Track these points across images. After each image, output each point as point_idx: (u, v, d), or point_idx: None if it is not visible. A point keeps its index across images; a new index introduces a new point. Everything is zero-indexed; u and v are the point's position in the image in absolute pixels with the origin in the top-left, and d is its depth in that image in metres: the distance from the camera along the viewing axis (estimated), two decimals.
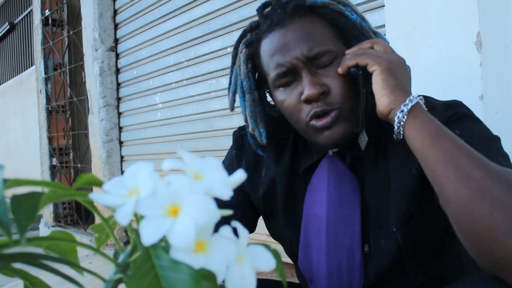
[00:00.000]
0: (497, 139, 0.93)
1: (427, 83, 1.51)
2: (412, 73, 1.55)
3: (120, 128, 4.03)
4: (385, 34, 1.73)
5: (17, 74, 7.46)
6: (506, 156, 0.89)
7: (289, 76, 0.98)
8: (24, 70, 7.12)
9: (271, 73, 1.00)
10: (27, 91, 6.22)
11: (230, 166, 1.19)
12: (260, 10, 1.07)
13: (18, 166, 7.11)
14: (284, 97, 1.00)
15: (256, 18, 1.08)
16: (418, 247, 1.01)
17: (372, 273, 1.02)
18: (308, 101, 0.95)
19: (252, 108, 1.06)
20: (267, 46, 1.00)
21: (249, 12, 2.61)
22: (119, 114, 4.04)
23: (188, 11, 3.15)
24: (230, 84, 1.10)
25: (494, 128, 1.37)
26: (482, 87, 1.36)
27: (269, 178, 1.14)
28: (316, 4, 0.99)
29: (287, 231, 1.13)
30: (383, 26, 1.78)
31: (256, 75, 1.07)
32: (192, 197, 0.37)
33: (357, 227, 1.02)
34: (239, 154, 1.19)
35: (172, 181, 0.38)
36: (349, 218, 1.02)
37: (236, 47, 1.09)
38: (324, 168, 1.05)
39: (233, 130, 1.23)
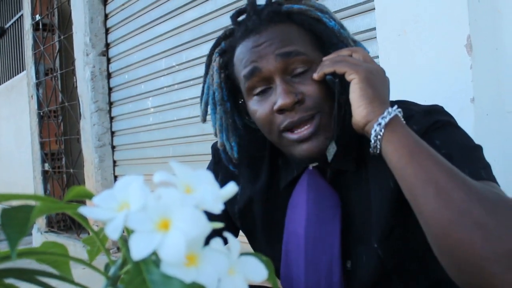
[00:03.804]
0: (478, 149, 0.90)
1: (418, 86, 1.51)
2: (402, 76, 1.56)
3: (113, 133, 4.02)
4: (375, 37, 1.73)
5: (8, 79, 7.43)
6: (487, 166, 0.86)
7: (262, 83, 0.94)
8: (15, 75, 7.09)
9: (244, 80, 0.95)
10: (18, 96, 6.21)
11: None
12: (235, 17, 1.03)
13: (10, 172, 7.08)
14: (257, 107, 0.95)
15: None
16: (402, 260, 0.98)
17: None
18: (281, 111, 0.91)
19: (222, 121, 1.02)
20: (241, 52, 0.96)
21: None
22: (111, 118, 4.02)
23: (179, 15, 3.15)
24: (202, 94, 1.07)
25: (485, 131, 1.38)
26: (473, 90, 1.36)
27: (246, 197, 1.10)
28: (292, 11, 0.96)
29: (268, 249, 1.10)
30: (374, 29, 1.78)
31: (230, 85, 1.02)
32: (183, 211, 0.37)
33: (336, 245, 0.98)
34: (216, 169, 1.16)
35: (162, 194, 0.38)
36: (328, 235, 0.98)
37: (210, 55, 1.05)
38: (304, 183, 1.01)
39: None
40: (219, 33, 2.97)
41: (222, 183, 1.12)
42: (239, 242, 0.43)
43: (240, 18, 1.03)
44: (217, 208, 0.40)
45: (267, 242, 1.10)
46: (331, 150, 0.95)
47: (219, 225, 0.42)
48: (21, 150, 6.33)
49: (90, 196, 0.43)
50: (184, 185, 0.40)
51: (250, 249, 1.19)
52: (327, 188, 1.00)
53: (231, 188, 0.43)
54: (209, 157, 2.96)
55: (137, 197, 0.38)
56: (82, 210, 0.39)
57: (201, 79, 3.19)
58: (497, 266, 0.68)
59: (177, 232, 0.36)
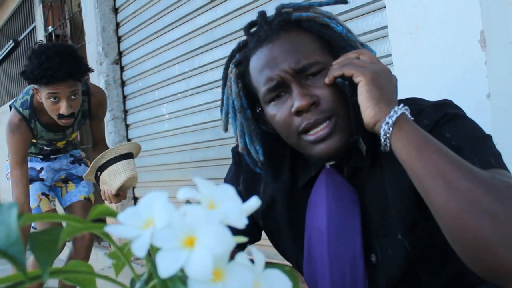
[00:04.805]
0: (487, 138, 0.92)
1: (432, 83, 1.51)
2: (416, 74, 1.55)
3: (129, 140, 4.05)
4: (387, 36, 1.73)
5: None
6: (497, 155, 0.89)
7: (279, 89, 0.99)
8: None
9: (262, 88, 1.00)
10: None
11: (231, 182, 1.22)
12: (247, 29, 1.09)
13: None
14: (275, 111, 1.00)
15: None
16: (428, 252, 1.00)
17: (383, 282, 1.02)
18: (298, 113, 0.96)
19: (243, 128, 1.06)
20: (256, 62, 1.01)
21: (251, 19, 2.61)
22: (127, 126, 4.05)
23: (190, 20, 3.16)
24: (222, 105, 1.11)
25: (503, 126, 1.37)
26: (488, 85, 1.35)
27: (269, 196, 1.15)
28: (301, 18, 1.01)
29: (292, 248, 1.14)
30: (386, 27, 1.78)
31: (248, 94, 1.07)
32: (208, 228, 0.37)
33: (358, 238, 1.02)
34: (237, 170, 1.21)
35: (187, 211, 0.38)
36: (350, 229, 1.02)
37: (226, 68, 1.11)
38: (322, 181, 1.05)
39: None
40: (231, 37, 2.98)
41: (245, 183, 1.18)
42: (263, 255, 0.43)
43: (253, 29, 1.08)
44: (241, 223, 0.40)
45: (291, 241, 1.14)
46: (362, 147, 1.00)
47: (243, 239, 0.42)
48: None
49: (113, 214, 0.43)
50: (207, 201, 0.41)
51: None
52: (345, 185, 1.04)
53: (254, 203, 0.43)
54: (226, 162, 2.97)
55: (162, 214, 0.39)
56: (108, 229, 0.39)
57: (215, 84, 3.20)
58: (508, 251, 0.71)
59: (203, 248, 0.37)
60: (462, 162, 0.79)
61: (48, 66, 2.18)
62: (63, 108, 2.29)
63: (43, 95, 2.29)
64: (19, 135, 2.46)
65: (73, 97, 2.31)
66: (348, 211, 1.02)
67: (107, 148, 2.73)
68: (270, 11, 1.07)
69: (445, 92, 1.45)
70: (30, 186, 2.66)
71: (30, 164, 2.69)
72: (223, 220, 0.39)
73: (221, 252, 0.37)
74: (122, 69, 4.06)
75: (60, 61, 2.20)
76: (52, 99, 2.28)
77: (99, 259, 4.04)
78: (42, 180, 2.81)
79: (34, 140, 2.63)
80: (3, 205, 0.36)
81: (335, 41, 1.01)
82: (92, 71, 2.51)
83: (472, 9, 1.39)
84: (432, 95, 1.07)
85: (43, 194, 2.74)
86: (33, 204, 2.63)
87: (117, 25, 4.06)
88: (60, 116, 2.32)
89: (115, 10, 4.04)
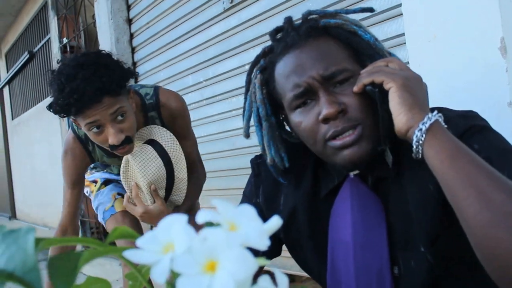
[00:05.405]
0: None
1: (451, 92, 1.48)
2: (435, 82, 1.53)
3: None
4: (404, 43, 1.71)
5: (39, 102, 7.56)
6: None
7: (306, 96, 0.97)
8: (46, 97, 7.20)
9: (288, 95, 0.99)
10: (49, 117, 6.30)
11: (250, 194, 1.20)
12: (273, 34, 1.07)
13: (45, 192, 7.19)
14: (301, 118, 0.99)
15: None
16: (451, 264, 0.98)
17: None
18: (326, 120, 0.94)
19: (270, 136, 1.04)
20: (283, 68, 1.00)
21: (264, 29, 2.61)
22: None
23: (203, 30, 3.17)
24: (244, 111, 1.10)
25: None
26: (510, 93, 1.33)
27: (290, 206, 1.12)
28: (329, 25, 0.99)
29: (315, 258, 1.11)
30: (403, 34, 1.76)
31: (272, 100, 1.05)
32: (229, 252, 0.36)
33: (385, 250, 0.99)
34: (257, 182, 1.20)
35: (207, 235, 0.37)
36: (376, 241, 1.00)
37: (250, 73, 1.09)
38: (347, 191, 1.03)
39: (255, 147, 1.22)
40: (245, 47, 2.98)
41: (264, 195, 1.16)
42: (287, 276, 0.42)
43: (279, 35, 1.06)
44: (263, 244, 0.39)
45: (313, 251, 1.11)
46: (388, 158, 0.98)
47: (265, 262, 0.41)
48: (55, 170, 6.41)
49: (133, 236, 0.42)
50: (228, 222, 0.39)
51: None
52: (370, 195, 1.02)
53: (275, 223, 0.42)
54: (240, 172, 2.96)
55: (181, 238, 0.37)
56: (127, 254, 0.38)
57: (229, 94, 3.20)
58: None
59: (225, 273, 0.35)
60: (495, 173, 0.77)
61: (70, 89, 1.59)
62: (111, 137, 1.67)
63: (83, 127, 1.71)
64: (70, 157, 1.98)
65: (120, 118, 1.68)
66: (374, 222, 1.00)
67: (200, 173, 2.16)
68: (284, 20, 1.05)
69: (465, 101, 1.42)
70: (105, 187, 2.28)
71: (107, 175, 2.33)
72: (245, 242, 0.38)
73: (244, 277, 0.35)
74: (136, 79, 4.07)
75: (84, 77, 1.59)
76: (94, 130, 1.67)
77: (114, 270, 4.03)
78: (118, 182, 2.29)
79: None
80: (20, 230, 0.35)
81: (363, 49, 0.99)
82: (135, 76, 1.88)
83: (492, 16, 1.36)
84: (451, 104, 1.05)
85: (119, 194, 2.23)
86: (107, 204, 2.20)
87: (131, 36, 4.08)
88: (113, 147, 1.70)
89: (129, 21, 4.07)
